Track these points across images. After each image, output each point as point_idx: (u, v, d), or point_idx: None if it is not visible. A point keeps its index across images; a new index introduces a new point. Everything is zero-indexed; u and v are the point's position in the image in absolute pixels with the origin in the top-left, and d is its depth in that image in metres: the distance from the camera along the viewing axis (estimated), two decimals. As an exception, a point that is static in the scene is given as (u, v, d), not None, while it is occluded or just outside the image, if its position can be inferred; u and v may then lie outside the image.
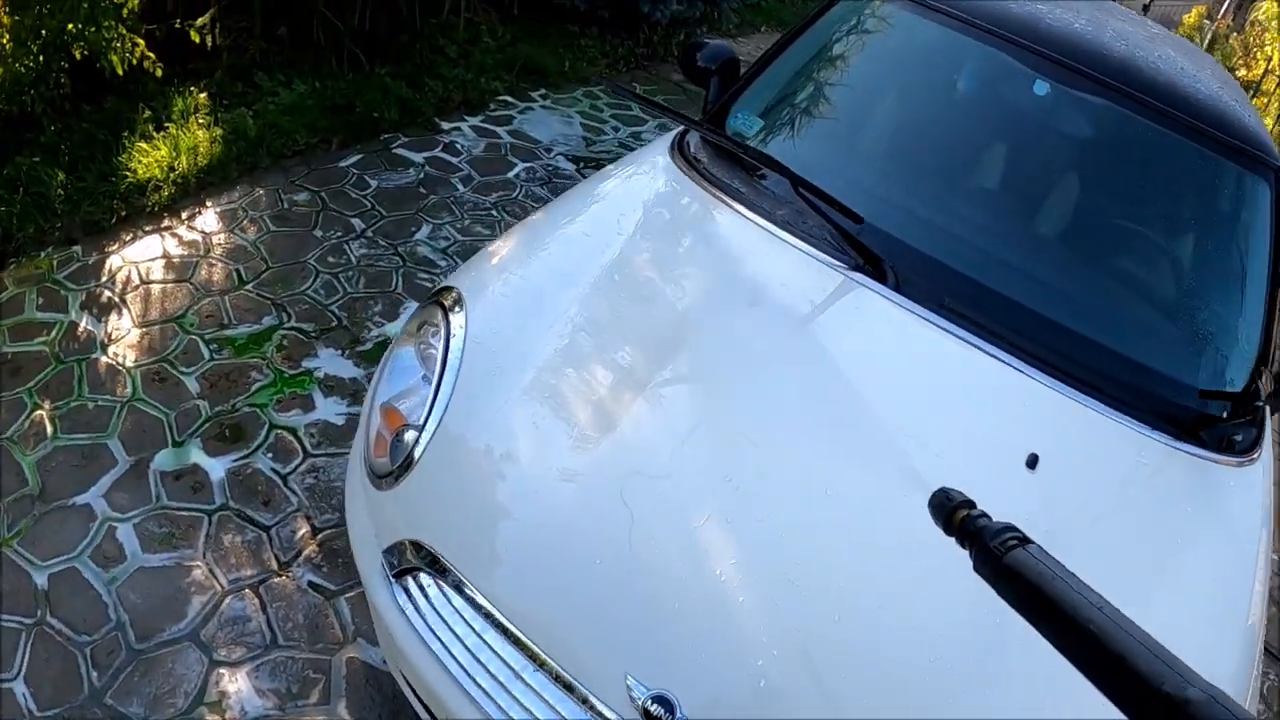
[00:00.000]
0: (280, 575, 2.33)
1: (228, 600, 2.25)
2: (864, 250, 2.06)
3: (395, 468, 1.74)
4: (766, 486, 1.65)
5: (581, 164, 4.97)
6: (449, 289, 1.99)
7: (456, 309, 1.92)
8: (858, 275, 2.05)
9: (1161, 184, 2.51)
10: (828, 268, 2.06)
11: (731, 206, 2.21)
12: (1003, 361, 1.96)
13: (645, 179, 2.42)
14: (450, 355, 1.83)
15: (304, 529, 2.45)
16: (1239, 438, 2.07)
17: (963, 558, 1.01)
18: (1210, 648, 1.67)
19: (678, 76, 6.91)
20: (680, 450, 1.68)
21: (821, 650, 1.48)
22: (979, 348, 1.97)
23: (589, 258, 2.07)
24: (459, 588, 1.60)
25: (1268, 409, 2.15)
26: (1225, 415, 2.07)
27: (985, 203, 2.51)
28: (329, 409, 2.82)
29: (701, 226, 2.22)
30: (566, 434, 1.70)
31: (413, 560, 1.65)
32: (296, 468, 2.61)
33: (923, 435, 1.79)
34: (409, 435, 1.76)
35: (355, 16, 4.68)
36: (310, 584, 2.33)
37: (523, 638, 1.52)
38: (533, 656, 1.52)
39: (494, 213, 4.19)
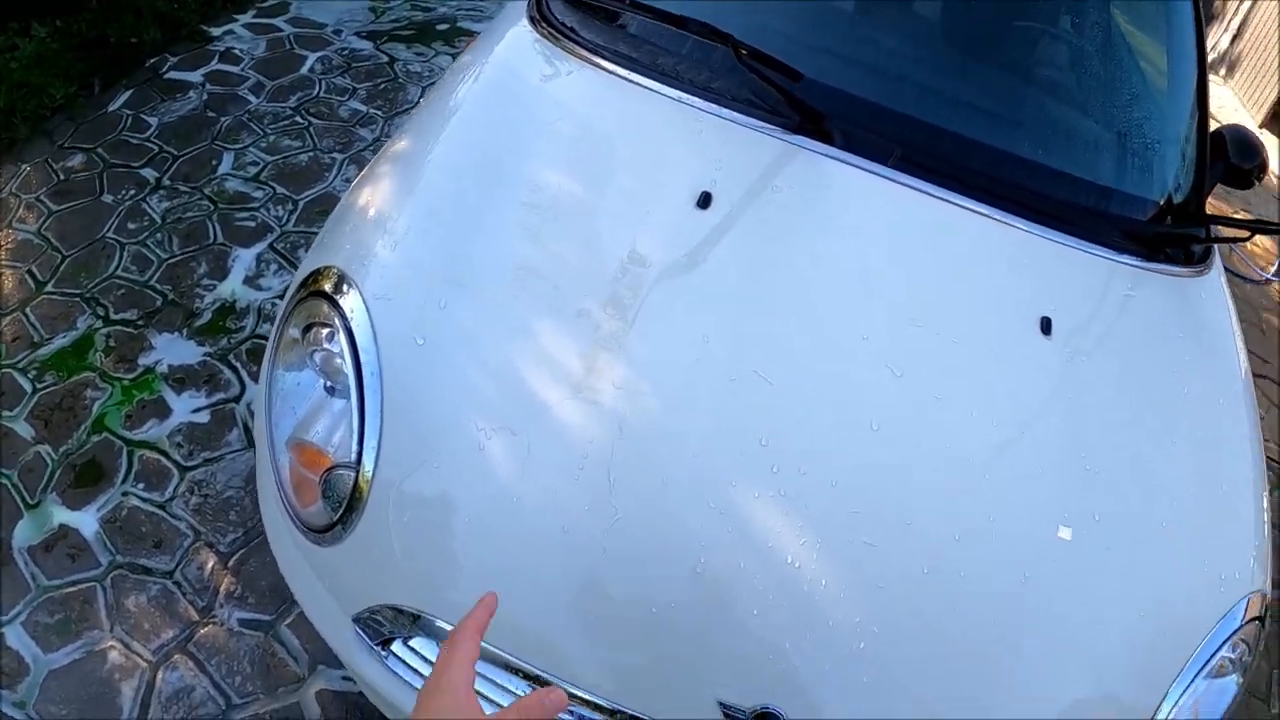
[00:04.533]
0: (205, 624, 2.08)
1: (160, 674, 1.99)
2: (806, 109, 1.82)
3: (338, 517, 1.41)
4: (796, 429, 1.45)
5: (381, 39, 4.53)
6: (325, 270, 1.56)
7: (344, 292, 1.51)
8: (800, 139, 1.83)
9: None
10: (767, 136, 1.82)
11: (633, 80, 1.88)
12: (971, 210, 1.84)
13: (512, 67, 2.01)
14: (362, 356, 1.45)
15: (210, 560, 2.19)
16: (1195, 246, 2.07)
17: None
18: (1243, 502, 1.72)
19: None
20: (686, 414, 1.44)
21: (924, 601, 1.38)
22: (944, 198, 1.84)
23: (483, 187, 1.69)
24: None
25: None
26: (1181, 225, 2.08)
27: (921, 39, 2.33)
28: (186, 407, 2.52)
29: (605, 113, 1.87)
30: (545, 424, 1.41)
31: (396, 629, 1.40)
32: (176, 490, 2.32)
33: (926, 313, 1.67)
34: (341, 475, 1.41)
35: (76, -70, 4.06)
36: (241, 622, 2.09)
37: (583, 694, 1.32)
38: (599, 709, 1.33)
39: (298, 119, 3.78)
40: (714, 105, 1.84)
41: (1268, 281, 5.10)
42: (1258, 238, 5.44)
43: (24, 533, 2.20)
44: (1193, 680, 1.50)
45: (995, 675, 1.39)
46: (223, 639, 2.06)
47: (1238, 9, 8.58)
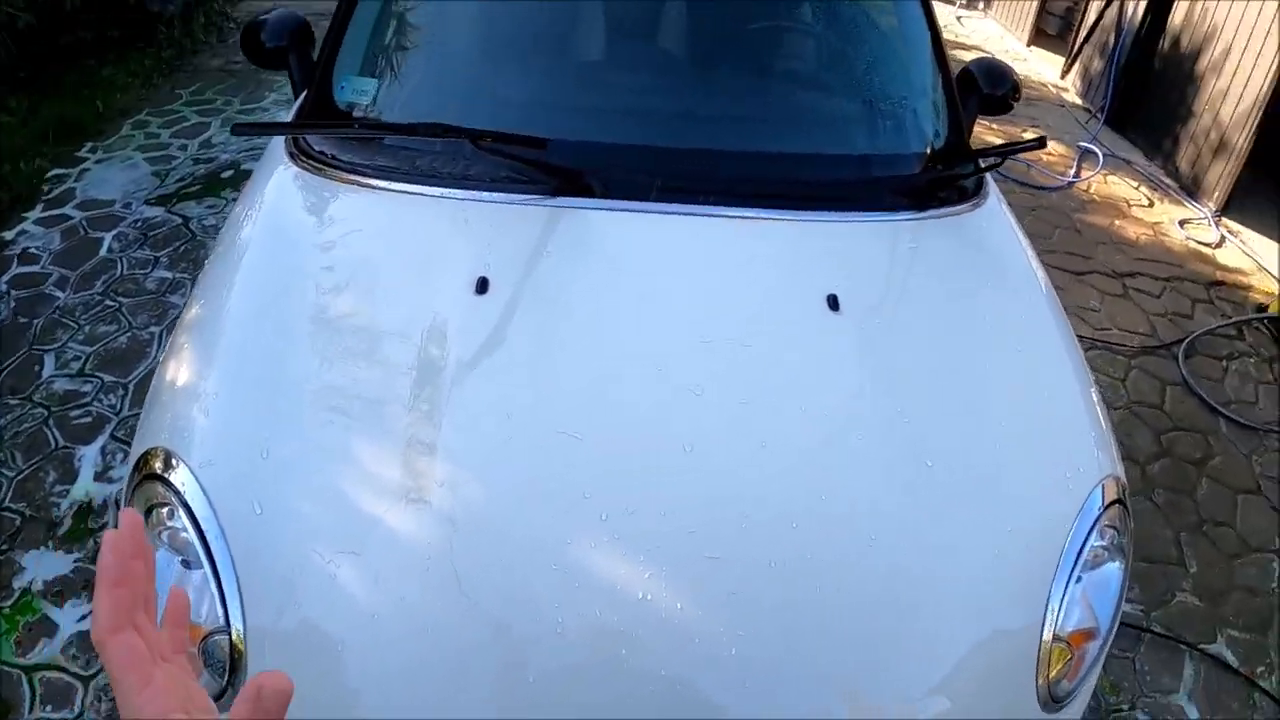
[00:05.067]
0: None
1: None
2: (560, 172, 1.94)
3: (225, 681, 1.45)
4: (614, 474, 1.55)
5: (171, 201, 4.64)
6: (151, 452, 1.61)
7: (173, 468, 1.57)
8: (565, 200, 1.93)
9: None
10: (535, 208, 1.93)
11: (395, 190, 1.98)
12: (742, 217, 1.95)
13: (280, 207, 2.08)
14: (204, 525, 1.50)
15: None
16: (968, 182, 2.22)
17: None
18: (1069, 402, 1.83)
19: (217, 62, 6.51)
20: (509, 490, 1.53)
21: (780, 592, 1.47)
22: (713, 214, 1.94)
23: (277, 330, 1.77)
24: None
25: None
26: (944, 168, 2.21)
27: (660, 70, 2.42)
28: (71, 617, 2.56)
29: (376, 228, 1.97)
30: (385, 538, 1.48)
31: None
32: (84, 702, 2.36)
33: (714, 328, 1.77)
34: (216, 641, 1.46)
35: None
36: None
37: None
38: None
39: (109, 302, 3.86)
40: (476, 192, 1.95)
41: (1071, 184, 5.61)
42: (1051, 146, 5.94)
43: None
44: (1070, 579, 1.58)
45: (877, 638, 1.47)
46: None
47: None
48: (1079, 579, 1.61)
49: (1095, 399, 1.88)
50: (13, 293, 3.93)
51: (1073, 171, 5.80)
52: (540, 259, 1.86)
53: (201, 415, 1.66)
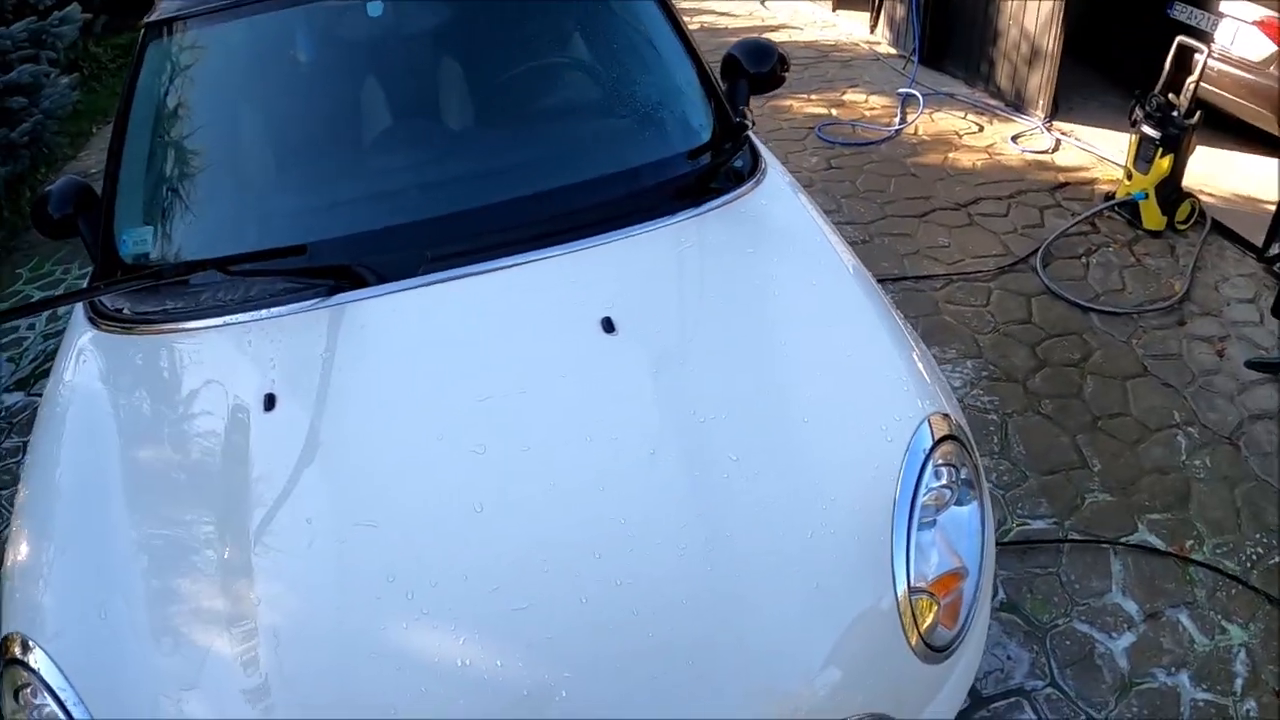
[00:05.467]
0: None
1: None
2: (326, 272, 1.97)
3: None
4: (414, 552, 1.58)
5: (29, 384, 4.51)
6: (9, 638, 1.66)
7: (30, 649, 1.62)
8: (342, 296, 1.96)
9: (536, 12, 2.62)
10: (314, 312, 1.95)
11: (184, 328, 2.01)
12: (518, 264, 1.96)
13: (85, 370, 2.09)
14: (62, 695, 1.55)
15: None
16: (740, 164, 2.25)
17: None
18: (875, 354, 1.84)
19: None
20: (324, 590, 1.57)
21: (601, 623, 1.50)
22: (487, 269, 1.96)
23: (96, 494, 1.80)
24: None
25: (750, 124, 2.34)
26: (720, 157, 2.22)
27: (413, 140, 2.45)
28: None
29: (175, 375, 2.02)
30: (219, 665, 1.54)
31: None
32: None
33: (492, 383, 1.78)
34: None
35: None
36: None
37: None
38: None
39: (-12, 503, 3.73)
40: (255, 313, 1.98)
41: (898, 132, 5.73)
42: (873, 100, 6.12)
43: None
44: (910, 528, 1.59)
45: (718, 646, 1.48)
46: None
47: None
48: (931, 524, 1.62)
49: (910, 343, 1.90)
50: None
51: (897, 119, 5.92)
52: (322, 362, 1.88)
53: (45, 593, 1.71)
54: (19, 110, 6.33)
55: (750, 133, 2.31)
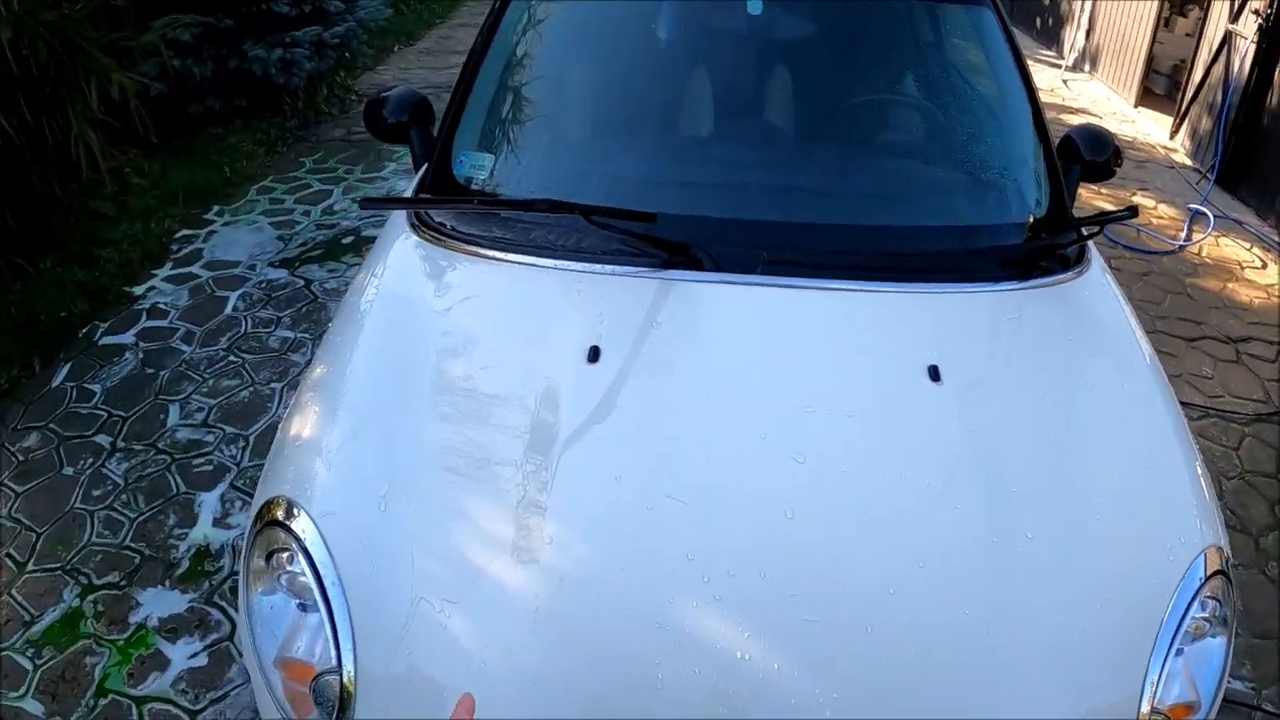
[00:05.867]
0: None
1: None
2: (668, 245, 2.01)
3: None
4: (717, 537, 1.58)
5: (294, 265, 4.86)
6: (274, 500, 1.72)
7: (295, 516, 1.67)
8: (673, 273, 2.01)
9: (908, 52, 2.66)
10: (646, 280, 2.00)
11: (511, 260, 2.08)
12: (846, 289, 1.99)
13: (402, 273, 2.20)
14: (322, 570, 1.60)
15: None
16: (1069, 251, 2.22)
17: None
18: (1172, 472, 1.81)
19: (339, 132, 6.81)
20: (617, 550, 1.60)
21: (877, 657, 1.50)
22: (817, 286, 1.99)
23: (397, 391, 1.86)
24: None
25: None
26: (1051, 235, 2.21)
27: (765, 143, 2.49)
28: (183, 654, 2.68)
29: (493, 297, 2.08)
30: (495, 591, 1.55)
31: None
32: None
33: (817, 398, 1.80)
34: (327, 681, 1.54)
35: (-8, 222, 4.34)
36: None
37: None
38: None
39: (232, 358, 4.04)
40: (589, 264, 2.03)
41: (1181, 249, 5.46)
42: (1160, 209, 5.86)
43: (57, 806, 2.32)
44: (1169, 652, 1.57)
45: (970, 706, 1.47)
46: None
47: (1084, 6, 9.21)
48: (1180, 651, 1.58)
49: (1199, 469, 1.86)
50: (141, 345, 4.16)
51: (1183, 235, 5.66)
52: (650, 330, 1.92)
53: (323, 468, 1.77)
54: (334, 14, 6.82)
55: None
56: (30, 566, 3.00)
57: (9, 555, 3.04)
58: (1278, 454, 3.75)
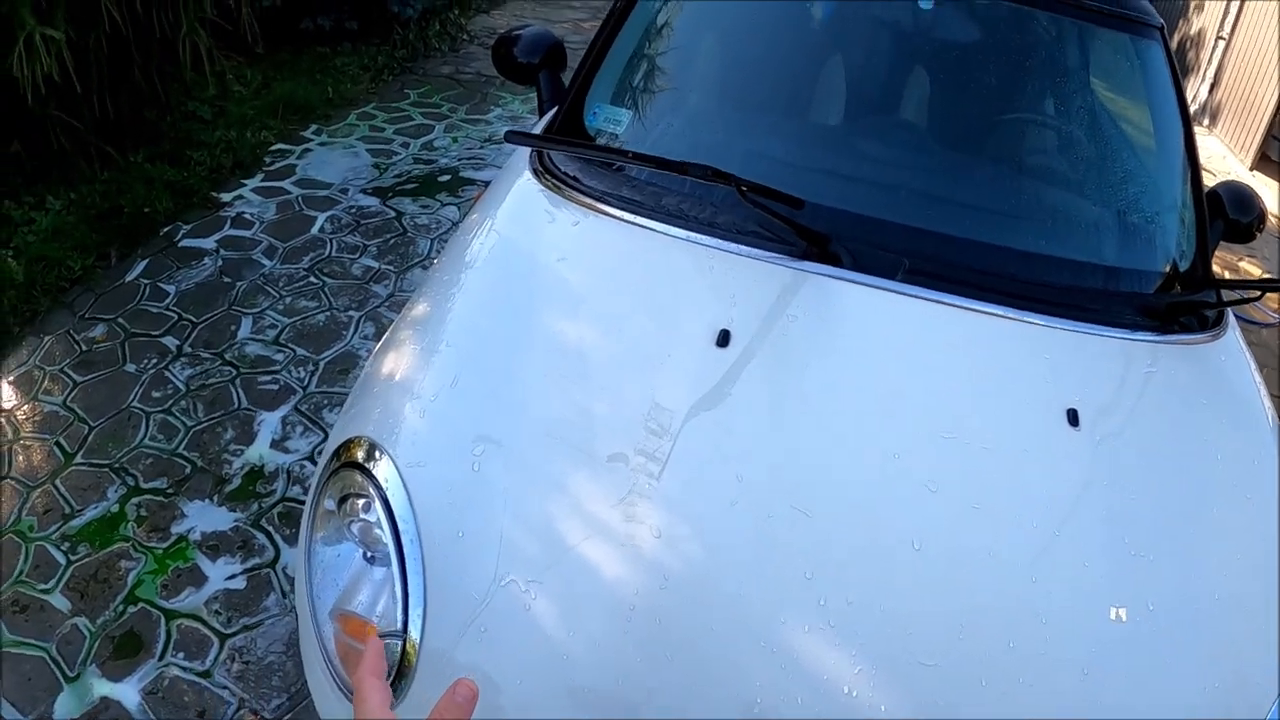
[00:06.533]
0: None
1: None
2: (812, 235, 1.86)
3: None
4: (839, 559, 1.47)
5: (387, 195, 4.68)
6: (356, 440, 1.58)
7: (377, 460, 1.53)
8: (809, 264, 1.85)
9: (1070, 75, 2.50)
10: (776, 266, 1.85)
11: (640, 224, 1.92)
12: (985, 311, 1.86)
13: (521, 220, 2.06)
14: (400, 525, 1.45)
15: None
16: (1209, 312, 2.08)
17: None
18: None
19: (446, 69, 6.66)
20: (728, 555, 1.46)
21: (987, 713, 1.40)
22: (956, 304, 1.86)
23: (505, 344, 1.72)
24: None
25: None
26: (1190, 292, 2.08)
27: (912, 147, 2.38)
28: (221, 574, 2.51)
29: (617, 259, 1.92)
30: (589, 579, 1.42)
31: None
32: (217, 658, 2.29)
33: (953, 423, 1.68)
34: (389, 644, 1.40)
35: (93, 107, 4.20)
36: None
37: None
38: None
39: (312, 279, 3.88)
40: (721, 241, 1.88)
41: None
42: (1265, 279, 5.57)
43: (64, 706, 2.17)
44: None
45: None
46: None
47: (1210, 57, 8.82)
48: None
49: None
50: (221, 252, 4.01)
51: (1283, 309, 5.31)
52: (781, 321, 1.78)
53: (415, 414, 1.62)
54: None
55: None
56: (78, 459, 2.85)
57: (58, 444, 2.90)
58: None
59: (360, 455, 1.55)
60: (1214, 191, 2.51)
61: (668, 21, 2.45)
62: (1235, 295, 2.14)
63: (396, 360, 1.73)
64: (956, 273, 1.91)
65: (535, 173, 2.10)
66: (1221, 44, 8.62)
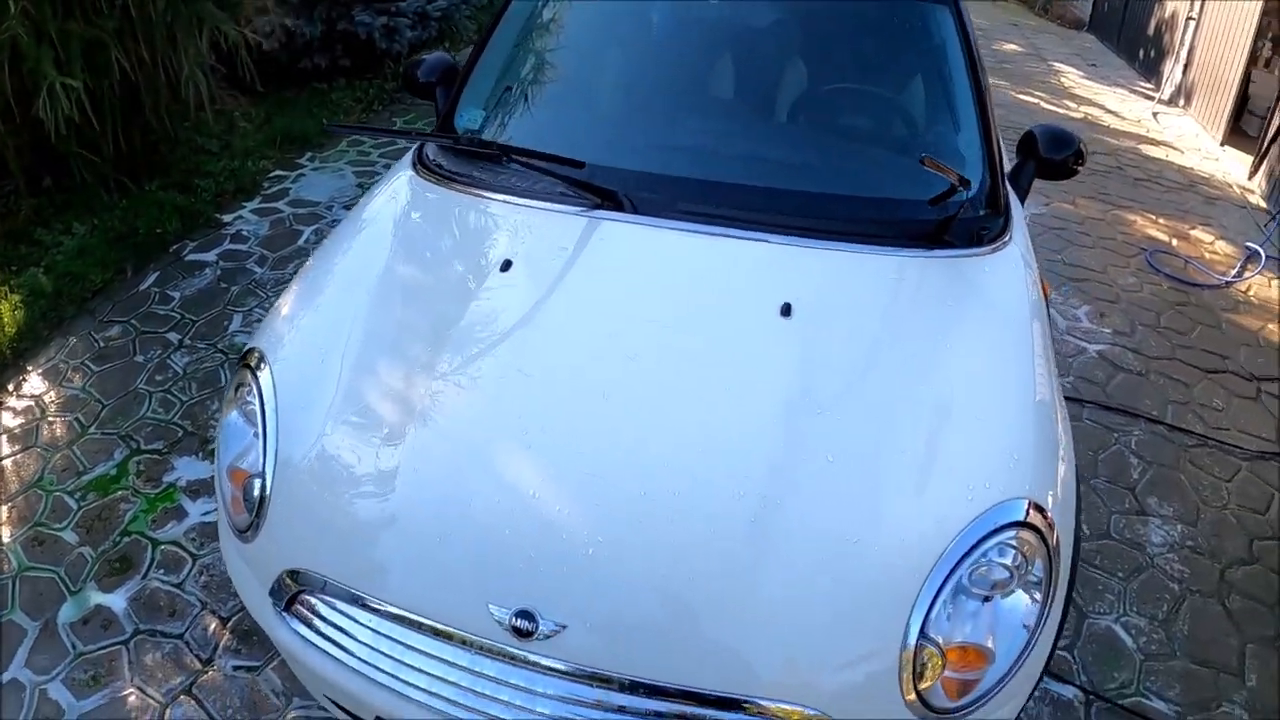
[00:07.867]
0: (207, 671, 2.60)
1: (169, 712, 2.49)
2: (595, 189, 2.35)
3: (253, 517, 1.94)
4: (552, 408, 1.92)
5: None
6: (251, 350, 2.19)
7: (262, 365, 2.12)
8: (601, 213, 2.35)
9: (848, 35, 2.92)
10: (572, 216, 2.36)
11: (477, 195, 2.51)
12: (753, 239, 2.26)
13: (395, 197, 2.67)
14: (266, 404, 2.03)
15: (214, 623, 2.74)
16: (986, 229, 2.35)
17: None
18: (1002, 428, 1.89)
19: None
20: (477, 402, 1.97)
21: (643, 516, 1.73)
22: (730, 235, 2.27)
23: (361, 281, 2.30)
24: (338, 593, 1.81)
25: (1014, 199, 2.46)
26: (969, 218, 2.32)
27: (695, 109, 2.85)
28: (199, 511, 3.13)
29: (454, 220, 2.54)
30: (379, 429, 1.93)
31: (292, 587, 1.87)
32: (189, 573, 2.90)
33: (692, 320, 2.09)
34: (254, 484, 1.95)
35: (109, 144, 4.88)
36: (235, 668, 2.61)
37: (401, 613, 1.75)
38: (417, 625, 1.74)
39: (297, 283, 4.49)
40: (535, 201, 2.43)
41: (1228, 284, 5.42)
42: (1218, 245, 5.88)
43: (66, 612, 2.77)
44: (948, 583, 1.62)
45: (727, 592, 1.63)
46: (220, 682, 2.59)
47: (1183, 38, 9.08)
48: (984, 599, 1.66)
49: (1062, 441, 1.95)
50: (220, 263, 4.66)
51: (1234, 271, 5.65)
52: (559, 250, 2.29)
53: (287, 330, 2.27)
54: (440, -12, 7.29)
55: (1016, 210, 2.43)
56: (92, 430, 3.49)
57: (77, 418, 3.54)
58: (1271, 494, 3.66)
59: (252, 361, 2.16)
60: (1029, 133, 2.74)
61: (521, 41, 3.07)
62: (996, 221, 2.38)
63: (287, 298, 2.37)
64: (720, 209, 2.33)
65: (413, 165, 2.74)
66: (1192, 24, 8.94)
